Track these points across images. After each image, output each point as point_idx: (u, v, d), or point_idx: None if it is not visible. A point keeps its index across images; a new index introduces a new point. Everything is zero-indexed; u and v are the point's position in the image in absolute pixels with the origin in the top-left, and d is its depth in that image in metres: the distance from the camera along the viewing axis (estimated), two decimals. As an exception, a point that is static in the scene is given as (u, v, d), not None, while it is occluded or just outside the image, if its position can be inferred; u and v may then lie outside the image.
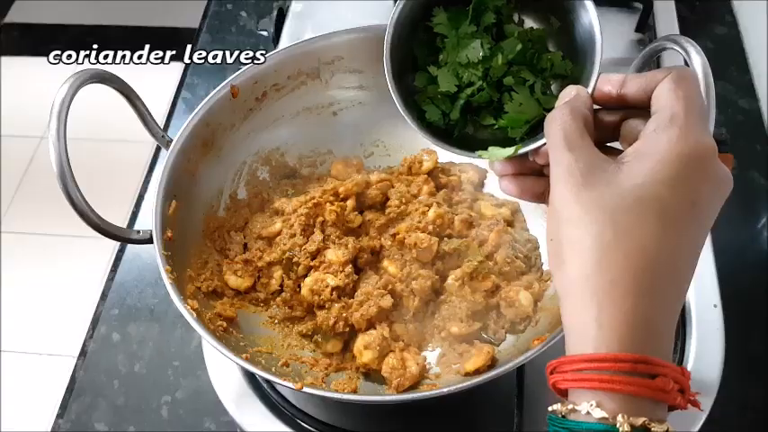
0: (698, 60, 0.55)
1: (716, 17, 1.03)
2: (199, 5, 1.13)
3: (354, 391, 0.62)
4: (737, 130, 0.89)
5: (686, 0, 1.01)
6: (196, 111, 0.69)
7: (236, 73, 0.72)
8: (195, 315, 0.58)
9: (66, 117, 0.57)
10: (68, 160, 0.56)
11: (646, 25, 0.96)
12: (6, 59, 2.34)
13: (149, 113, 0.66)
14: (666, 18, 0.97)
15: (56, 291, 1.81)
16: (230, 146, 0.74)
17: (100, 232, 0.59)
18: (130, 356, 0.77)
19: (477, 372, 0.61)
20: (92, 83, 0.60)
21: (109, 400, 0.75)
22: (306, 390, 0.56)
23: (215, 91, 0.70)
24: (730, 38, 1.01)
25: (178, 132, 0.67)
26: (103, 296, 0.83)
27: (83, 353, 0.78)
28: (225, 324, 0.65)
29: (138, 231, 0.62)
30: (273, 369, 0.60)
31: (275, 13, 1.03)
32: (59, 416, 0.74)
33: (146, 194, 0.90)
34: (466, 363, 0.63)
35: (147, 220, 0.63)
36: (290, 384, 0.55)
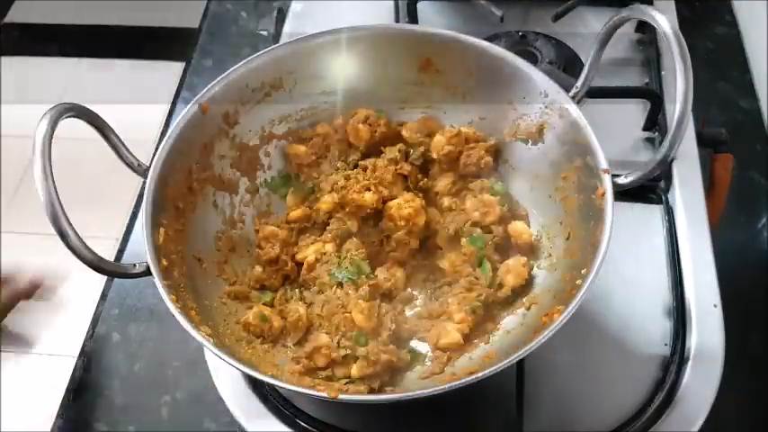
0: (665, 23, 0.54)
1: (716, 17, 1.03)
2: (199, 5, 1.13)
3: (372, 391, 0.62)
4: (737, 130, 0.89)
5: (686, 0, 1.01)
6: (167, 136, 0.67)
7: (202, 92, 0.70)
8: (213, 341, 0.57)
9: (50, 153, 0.55)
10: (59, 199, 0.54)
11: (646, 25, 0.95)
12: (6, 59, 2.34)
13: (124, 146, 0.64)
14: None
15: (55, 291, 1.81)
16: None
17: (98, 271, 0.58)
18: (130, 356, 0.77)
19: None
20: (67, 117, 0.58)
21: (109, 400, 0.75)
22: (342, 397, 0.55)
23: (182, 113, 0.69)
24: (730, 38, 1.00)
25: (154, 161, 0.66)
26: (103, 296, 0.83)
27: (83, 353, 0.78)
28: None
29: (135, 265, 0.60)
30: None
31: (275, 13, 1.02)
32: (59, 416, 0.74)
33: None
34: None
35: (141, 246, 0.61)
36: (325, 394, 0.55)
